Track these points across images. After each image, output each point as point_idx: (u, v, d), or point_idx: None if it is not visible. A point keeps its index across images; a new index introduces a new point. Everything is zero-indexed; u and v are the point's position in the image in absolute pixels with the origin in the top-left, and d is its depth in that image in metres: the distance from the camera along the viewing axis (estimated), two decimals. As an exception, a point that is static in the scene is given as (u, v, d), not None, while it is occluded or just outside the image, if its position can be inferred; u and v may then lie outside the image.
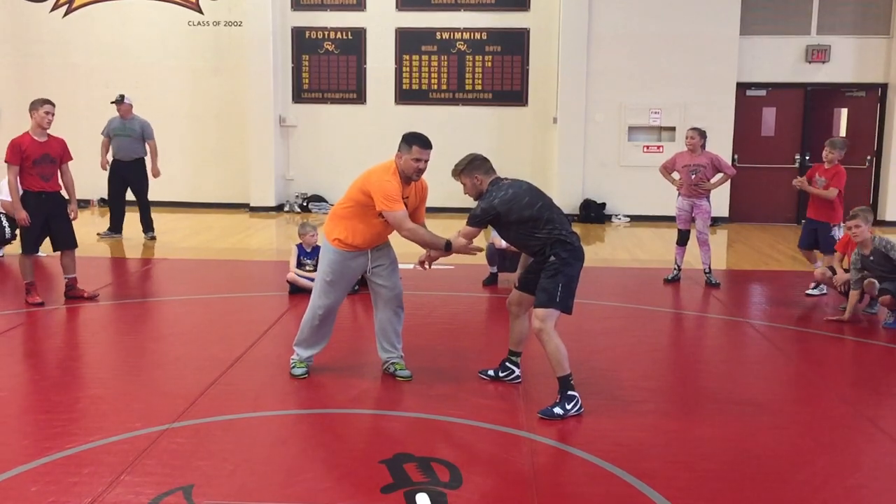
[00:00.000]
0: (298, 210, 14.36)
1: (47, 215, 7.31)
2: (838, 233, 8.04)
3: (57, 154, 7.35)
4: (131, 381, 5.49)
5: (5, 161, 7.15)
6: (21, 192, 7.19)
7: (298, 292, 7.75)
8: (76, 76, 14.44)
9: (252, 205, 14.35)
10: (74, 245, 7.52)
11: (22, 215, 7.14)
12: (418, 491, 3.79)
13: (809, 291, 8.22)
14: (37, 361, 5.92)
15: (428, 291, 8.19)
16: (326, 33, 14.48)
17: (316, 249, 8.00)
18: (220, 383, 5.28)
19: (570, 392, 4.84)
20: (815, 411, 5.10)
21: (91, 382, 5.47)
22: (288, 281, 7.89)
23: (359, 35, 14.42)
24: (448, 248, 5.15)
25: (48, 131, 7.34)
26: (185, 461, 4.08)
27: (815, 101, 13.85)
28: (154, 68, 14.44)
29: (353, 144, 14.24)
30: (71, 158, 7.53)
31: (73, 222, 7.55)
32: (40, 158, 7.20)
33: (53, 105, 7.29)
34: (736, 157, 13.80)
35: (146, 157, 11.18)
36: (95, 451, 4.18)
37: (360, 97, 14.43)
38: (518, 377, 5.43)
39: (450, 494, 3.76)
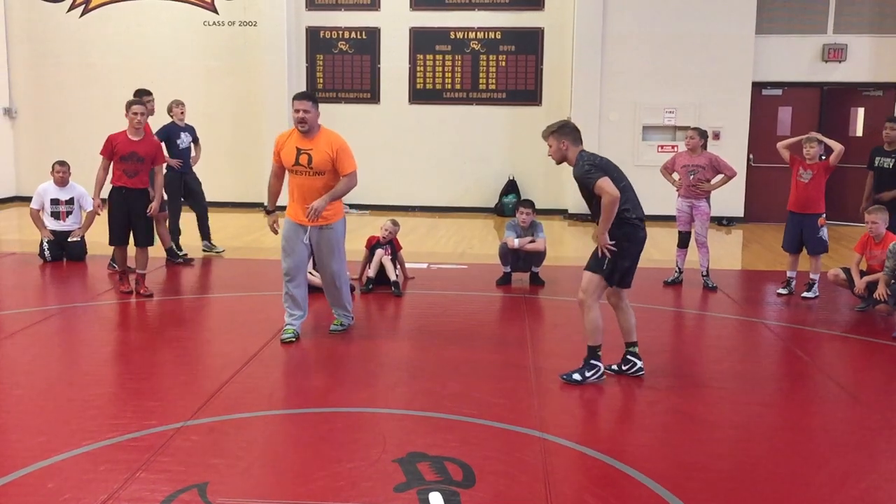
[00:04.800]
0: (312, 209, 14.37)
1: (129, 211, 7.57)
2: (825, 233, 8.00)
3: (146, 154, 7.59)
4: (146, 378, 5.53)
5: (100, 153, 7.59)
6: (110, 187, 7.58)
7: (312, 291, 7.75)
8: (93, 76, 14.54)
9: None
10: (146, 243, 7.73)
11: (96, 202, 7.73)
12: (431, 490, 3.79)
13: (780, 291, 8.15)
14: (52, 359, 5.96)
15: (441, 291, 8.19)
16: (341, 33, 14.50)
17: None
18: (235, 381, 5.31)
19: (593, 361, 5.20)
20: (829, 412, 5.08)
21: (106, 380, 5.51)
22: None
23: (373, 35, 14.43)
24: (266, 210, 6.44)
25: (150, 131, 7.75)
26: (199, 459, 4.10)
27: (832, 100, 13.75)
28: (169, 68, 14.49)
29: (366, 144, 14.16)
30: (163, 161, 7.84)
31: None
32: (127, 156, 7.49)
33: (143, 104, 7.58)
34: (751, 156, 13.74)
35: None
36: (111, 449, 4.21)
37: (374, 97, 14.44)
38: (641, 369, 5.49)
39: (463, 494, 3.76)
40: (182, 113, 9.75)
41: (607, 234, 5.13)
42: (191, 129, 9.81)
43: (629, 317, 5.48)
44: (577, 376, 5.19)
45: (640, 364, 5.51)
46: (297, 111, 5.90)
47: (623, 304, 5.46)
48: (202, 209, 9.85)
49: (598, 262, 5.19)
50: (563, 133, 5.28)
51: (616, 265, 5.18)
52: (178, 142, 9.54)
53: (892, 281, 6.91)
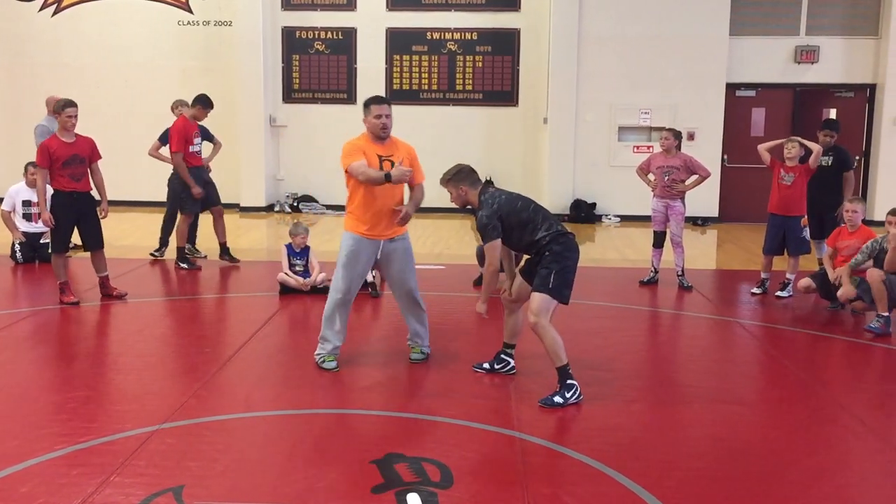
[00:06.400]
0: (289, 210, 14.33)
1: (78, 215, 7.36)
2: (808, 234, 8.08)
3: (86, 154, 7.39)
4: (121, 381, 5.48)
5: (36, 164, 7.30)
6: (52, 192, 7.29)
7: (289, 293, 7.74)
8: (66, 76, 14.35)
9: (242, 205, 14.30)
10: (100, 245, 7.52)
11: (46, 216, 7.28)
12: (409, 491, 3.79)
13: (755, 290, 8.22)
14: (24, 362, 5.89)
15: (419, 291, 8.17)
16: (317, 33, 14.46)
17: (305, 250, 8.00)
18: (211, 384, 5.27)
19: (569, 381, 5.03)
20: (803, 410, 5.13)
21: (81, 383, 5.44)
22: (279, 281, 7.88)
23: (349, 35, 14.40)
24: (388, 178, 5.30)
25: (76, 131, 7.39)
26: (175, 462, 4.07)
27: (805, 101, 13.90)
28: (144, 68, 14.38)
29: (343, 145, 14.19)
30: (100, 157, 7.58)
31: (103, 221, 7.60)
32: (69, 159, 7.25)
33: (76, 106, 7.29)
34: (725, 157, 13.85)
35: None
36: (85, 452, 4.17)
37: (350, 97, 14.41)
38: (513, 368, 5.58)
39: (441, 494, 3.77)
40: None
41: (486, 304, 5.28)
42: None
43: (519, 321, 5.53)
44: (558, 399, 4.99)
45: (513, 363, 5.60)
46: (379, 116, 5.37)
47: (518, 308, 5.50)
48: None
49: (546, 280, 5.03)
50: (459, 179, 5.28)
51: (565, 279, 5.07)
52: None
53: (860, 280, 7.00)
